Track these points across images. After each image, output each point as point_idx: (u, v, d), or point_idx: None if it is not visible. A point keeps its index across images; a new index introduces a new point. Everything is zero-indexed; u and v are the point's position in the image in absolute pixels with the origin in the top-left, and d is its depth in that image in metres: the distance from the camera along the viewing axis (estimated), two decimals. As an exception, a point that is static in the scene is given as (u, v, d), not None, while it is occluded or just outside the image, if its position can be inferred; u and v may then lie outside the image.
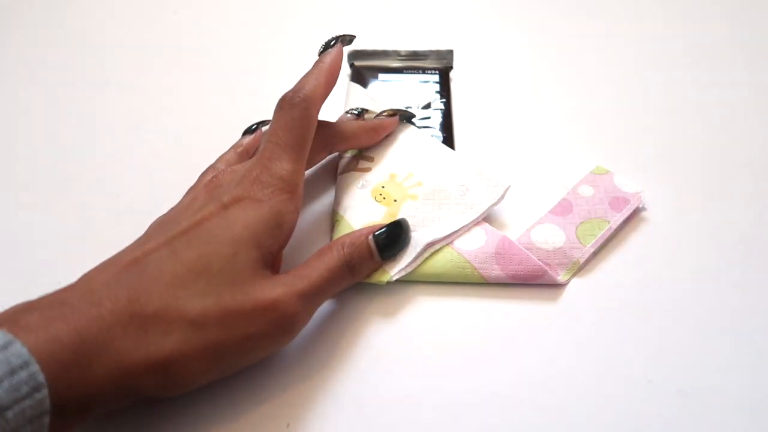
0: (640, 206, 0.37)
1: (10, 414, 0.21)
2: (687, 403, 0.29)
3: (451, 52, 0.47)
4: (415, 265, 0.33)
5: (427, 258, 0.34)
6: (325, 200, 0.39)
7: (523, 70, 0.47)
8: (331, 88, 0.34)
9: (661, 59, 0.48)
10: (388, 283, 0.33)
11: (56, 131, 0.43)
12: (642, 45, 0.49)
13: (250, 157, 0.38)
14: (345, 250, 0.31)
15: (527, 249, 0.34)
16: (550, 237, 0.35)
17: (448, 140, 0.41)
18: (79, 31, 0.52)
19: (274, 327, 0.28)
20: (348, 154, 0.40)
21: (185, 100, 0.45)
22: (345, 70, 0.45)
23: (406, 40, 0.49)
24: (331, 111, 0.41)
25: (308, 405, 0.30)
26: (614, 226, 0.35)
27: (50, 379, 0.22)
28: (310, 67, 0.35)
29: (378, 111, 0.40)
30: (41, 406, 0.22)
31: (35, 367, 0.22)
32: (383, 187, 0.37)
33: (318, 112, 0.33)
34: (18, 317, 0.23)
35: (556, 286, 0.34)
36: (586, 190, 0.37)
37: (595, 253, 0.35)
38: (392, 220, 0.34)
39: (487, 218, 0.36)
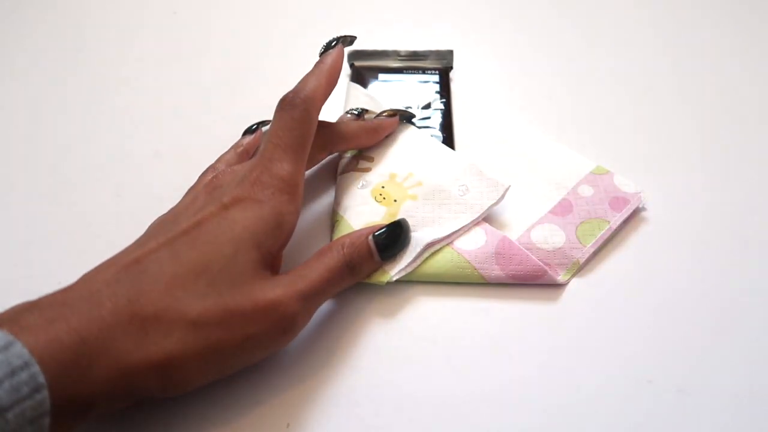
0: (640, 206, 0.37)
1: (10, 415, 0.21)
2: (687, 403, 0.29)
3: (451, 52, 0.47)
4: (415, 265, 0.33)
5: (427, 258, 0.34)
6: (325, 200, 0.39)
7: (523, 70, 0.47)
8: (332, 89, 0.34)
9: (662, 59, 0.48)
10: (388, 283, 0.33)
11: (56, 131, 0.43)
12: (642, 45, 0.49)
13: (250, 158, 0.38)
14: (345, 250, 0.31)
15: (527, 249, 0.34)
16: (550, 237, 0.35)
17: (448, 140, 0.41)
18: (79, 31, 0.52)
19: (274, 327, 0.28)
20: (348, 155, 0.40)
21: (185, 100, 0.46)
22: (345, 70, 0.45)
23: (406, 40, 0.49)
24: (331, 111, 0.41)
25: (308, 405, 0.30)
26: (614, 226, 0.35)
27: (50, 379, 0.22)
28: (310, 67, 0.35)
29: (378, 111, 0.40)
30: (41, 406, 0.22)
31: (36, 368, 0.22)
32: (383, 187, 0.37)
33: (318, 113, 0.33)
34: (18, 317, 0.23)
35: (556, 286, 0.34)
36: (586, 190, 0.37)
37: (595, 253, 0.35)
38: (392, 220, 0.34)
39: (487, 218, 0.36)
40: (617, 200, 0.36)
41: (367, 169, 0.39)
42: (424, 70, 0.46)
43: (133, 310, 0.25)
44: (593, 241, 0.35)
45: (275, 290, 0.28)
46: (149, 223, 0.32)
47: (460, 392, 0.30)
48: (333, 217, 0.37)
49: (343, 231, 0.35)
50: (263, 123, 0.41)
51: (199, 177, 0.36)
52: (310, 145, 0.32)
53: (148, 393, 0.26)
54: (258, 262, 0.28)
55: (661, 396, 0.30)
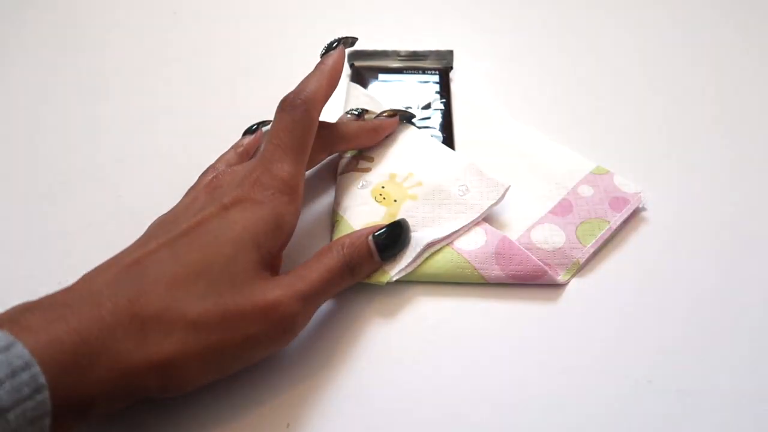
0: (640, 206, 0.37)
1: (11, 416, 0.21)
2: (687, 403, 0.29)
3: (451, 52, 0.47)
4: (415, 265, 0.33)
5: (427, 258, 0.34)
6: (325, 200, 0.39)
7: (523, 70, 0.47)
8: (333, 91, 0.34)
9: (662, 59, 0.48)
10: (388, 283, 0.33)
11: (56, 131, 0.43)
12: (643, 44, 0.49)
13: (251, 158, 0.38)
14: (345, 250, 0.31)
15: (527, 249, 0.34)
16: (550, 237, 0.35)
17: (448, 140, 0.41)
18: (79, 31, 0.52)
19: (274, 328, 0.28)
20: (348, 155, 0.40)
21: (185, 100, 0.46)
22: (345, 70, 0.45)
23: (406, 40, 0.49)
24: (331, 111, 0.41)
25: (308, 405, 0.30)
26: (614, 226, 0.35)
27: (51, 380, 0.22)
28: (311, 67, 0.35)
29: (378, 111, 0.40)
30: (42, 407, 0.22)
31: (36, 369, 0.22)
32: (383, 187, 0.37)
33: (319, 114, 0.33)
34: (19, 318, 0.23)
35: (556, 286, 0.34)
36: (586, 190, 0.37)
37: (595, 253, 0.35)
38: (392, 220, 0.34)
39: (487, 218, 0.36)
40: (617, 200, 0.36)
41: (367, 169, 0.39)
42: (424, 70, 0.46)
43: (134, 310, 0.25)
44: (593, 241, 0.35)
45: (275, 291, 0.28)
46: (149, 223, 0.32)
47: (460, 392, 0.30)
48: (333, 217, 0.37)
49: (343, 231, 0.35)
50: (263, 123, 0.41)
51: (199, 177, 0.36)
52: (311, 146, 0.32)
53: (148, 393, 0.26)
54: (258, 262, 0.28)
55: (661, 396, 0.30)
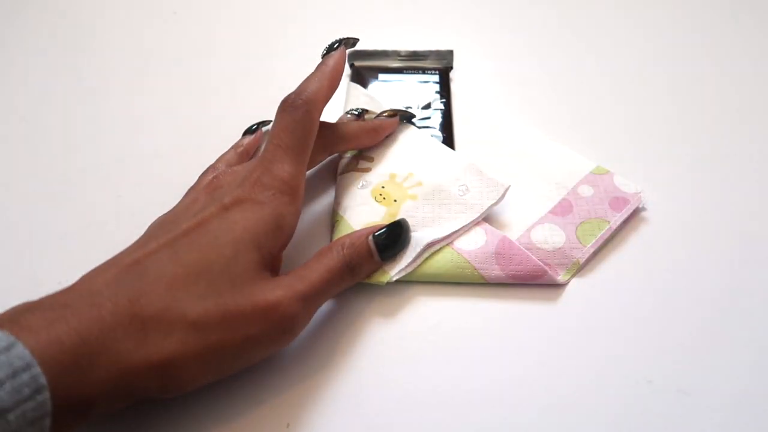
0: (640, 206, 0.37)
1: (11, 416, 0.21)
2: (687, 403, 0.29)
3: (451, 52, 0.47)
4: (415, 265, 0.33)
5: (427, 258, 0.34)
6: (325, 200, 0.39)
7: (523, 70, 0.47)
8: (334, 91, 0.34)
9: (662, 59, 0.48)
10: (388, 283, 0.33)
11: (56, 131, 0.43)
12: (642, 45, 0.49)
13: (251, 158, 0.38)
14: (345, 250, 0.31)
15: (527, 249, 0.34)
16: (550, 237, 0.35)
17: (448, 140, 0.41)
18: (79, 31, 0.52)
19: (274, 328, 0.28)
20: (348, 155, 0.40)
21: (185, 100, 0.46)
22: (345, 70, 0.45)
23: (406, 40, 0.49)
24: (331, 111, 0.41)
25: (308, 405, 0.30)
26: (614, 226, 0.35)
27: (51, 380, 0.22)
28: (311, 67, 0.35)
29: (378, 111, 0.40)
30: (42, 408, 0.22)
31: (37, 369, 0.22)
32: (383, 187, 0.37)
33: (320, 115, 0.33)
34: (19, 318, 0.23)
35: (556, 286, 0.34)
36: (586, 190, 0.37)
37: (595, 253, 0.35)
38: (392, 220, 0.34)
39: (487, 218, 0.36)
40: (617, 200, 0.36)
41: (367, 169, 0.39)
42: (424, 70, 0.46)
43: (134, 310, 0.25)
44: (593, 241, 0.35)
45: (275, 291, 0.28)
46: (149, 223, 0.32)
47: (460, 392, 0.30)
48: (333, 217, 0.37)
49: (343, 231, 0.35)
50: (263, 123, 0.41)
51: (200, 177, 0.36)
52: (312, 146, 0.32)
53: (148, 393, 0.26)
54: (258, 263, 0.28)
55: (661, 396, 0.30)
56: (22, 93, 0.46)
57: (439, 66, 0.46)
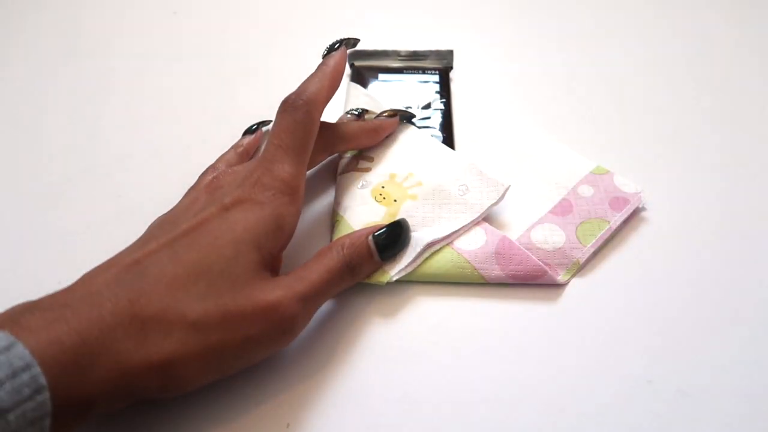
0: (640, 206, 0.37)
1: (11, 416, 0.21)
2: (687, 403, 0.29)
3: (451, 52, 0.47)
4: (415, 265, 0.33)
5: (427, 258, 0.34)
6: (325, 200, 0.39)
7: (523, 70, 0.47)
8: (334, 92, 0.34)
9: (662, 59, 0.48)
10: (388, 283, 0.33)
11: (56, 132, 0.43)
12: (642, 45, 0.49)
13: (251, 158, 0.38)
14: (345, 251, 0.31)
15: (527, 249, 0.34)
16: (550, 237, 0.35)
17: (448, 140, 0.41)
18: (79, 31, 0.52)
19: (274, 329, 0.28)
20: (348, 155, 0.40)
21: (185, 100, 0.46)
22: (345, 70, 0.45)
23: (406, 40, 0.49)
24: (331, 111, 0.41)
25: (308, 405, 0.30)
26: (614, 226, 0.35)
27: (51, 381, 0.22)
28: (311, 67, 0.35)
29: (378, 111, 0.40)
30: (42, 408, 0.22)
31: (37, 370, 0.22)
32: (383, 187, 0.37)
33: (320, 116, 0.33)
34: (19, 318, 0.23)
35: (556, 286, 0.34)
36: (586, 190, 0.37)
37: (595, 253, 0.35)
38: (392, 220, 0.34)
39: (487, 218, 0.36)
40: (617, 200, 0.36)
41: (367, 169, 0.39)
42: (424, 70, 0.46)
43: (134, 310, 0.25)
44: (593, 241, 0.35)
45: (275, 291, 0.28)
46: (149, 223, 0.32)
47: (460, 392, 0.30)
48: (333, 217, 0.37)
49: (343, 231, 0.35)
50: (263, 123, 0.41)
51: (199, 177, 0.36)
52: (312, 147, 0.32)
53: (148, 393, 0.26)
54: (258, 263, 0.28)
55: (660, 396, 0.30)
56: (22, 93, 0.46)
57: (439, 66, 0.46)
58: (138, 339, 0.25)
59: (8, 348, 0.22)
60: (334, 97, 0.35)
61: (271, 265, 0.30)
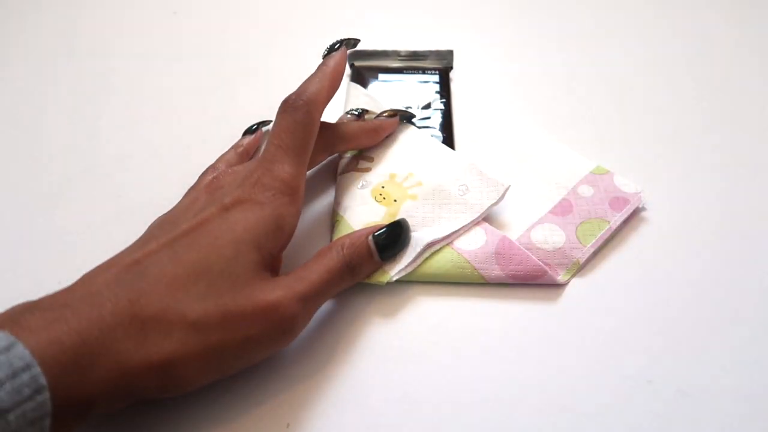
0: (640, 206, 0.37)
1: (11, 416, 0.21)
2: (687, 403, 0.29)
3: (451, 52, 0.47)
4: (415, 265, 0.33)
5: (427, 258, 0.34)
6: (325, 200, 0.39)
7: (523, 70, 0.47)
8: (334, 92, 0.34)
9: (662, 59, 0.48)
10: (388, 283, 0.33)
11: (56, 131, 0.43)
12: (642, 45, 0.49)
13: (251, 158, 0.38)
14: (345, 251, 0.31)
15: (527, 249, 0.34)
16: (550, 237, 0.35)
17: (448, 140, 0.41)
18: (79, 31, 0.52)
19: (274, 329, 0.28)
20: (348, 155, 0.40)
21: (185, 100, 0.45)
22: (345, 70, 0.45)
23: (406, 40, 0.49)
24: (331, 111, 0.41)
25: (308, 405, 0.30)
26: (614, 226, 0.35)
27: (51, 381, 0.22)
28: (312, 67, 0.35)
29: (378, 111, 0.40)
30: (42, 408, 0.22)
31: (37, 370, 0.22)
32: (383, 187, 0.37)
33: (320, 116, 0.33)
34: (19, 318, 0.23)
35: (556, 286, 0.34)
36: (586, 190, 0.37)
37: (595, 253, 0.35)
38: (392, 220, 0.34)
39: (487, 218, 0.36)
40: (617, 200, 0.36)
41: (367, 169, 0.39)
42: (424, 70, 0.46)
43: (134, 311, 0.25)
44: (593, 241, 0.35)
45: (275, 292, 0.28)
46: (149, 223, 0.32)
47: (460, 392, 0.30)
48: (333, 217, 0.37)
49: (343, 231, 0.35)
50: (263, 123, 0.41)
51: (200, 177, 0.36)
52: (312, 147, 0.32)
53: (148, 393, 0.26)
54: (258, 263, 0.28)
55: (660, 396, 0.30)
56: (22, 93, 0.46)
57: (439, 66, 0.46)
58: (138, 339, 0.25)
59: (8, 348, 0.22)
60: (334, 97, 0.35)
61: (271, 265, 0.30)
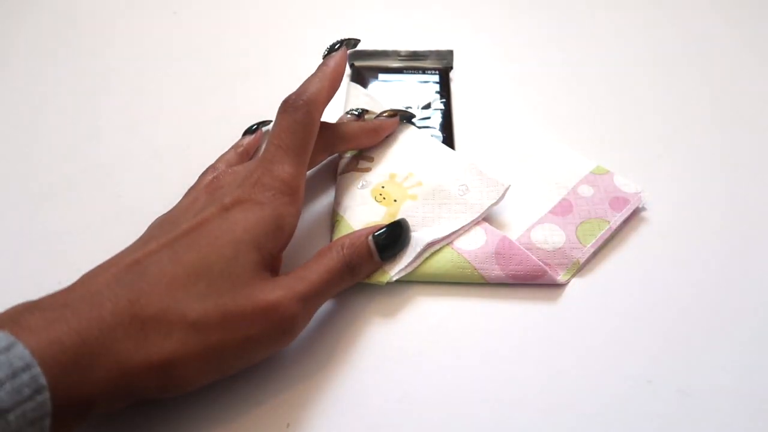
0: (640, 206, 0.37)
1: (11, 417, 0.21)
2: (687, 403, 0.29)
3: (451, 52, 0.47)
4: (415, 265, 0.33)
5: (427, 258, 0.34)
6: (325, 200, 0.39)
7: (523, 70, 0.47)
8: (335, 92, 0.34)
9: (662, 59, 0.48)
10: (388, 283, 0.33)
11: (56, 131, 0.43)
12: (642, 44, 0.49)
13: (251, 158, 0.38)
14: (345, 251, 0.31)
15: (527, 249, 0.34)
16: (550, 237, 0.35)
17: (448, 140, 0.41)
18: (79, 31, 0.52)
19: (274, 329, 0.28)
20: (348, 155, 0.40)
21: (185, 100, 0.45)
22: (345, 70, 0.45)
23: (406, 40, 0.49)
24: (331, 111, 0.41)
25: (308, 405, 0.30)
26: (614, 226, 0.35)
27: (51, 381, 0.22)
28: (312, 67, 0.35)
29: (378, 111, 0.40)
30: (42, 408, 0.22)
31: (37, 370, 0.22)
32: (383, 187, 0.37)
33: (321, 116, 0.33)
34: (19, 318, 0.23)
35: (556, 286, 0.34)
36: (586, 190, 0.37)
37: (595, 253, 0.35)
38: (392, 220, 0.34)
39: (487, 218, 0.36)
40: (617, 200, 0.36)
41: (367, 169, 0.39)
42: (424, 70, 0.46)
43: (134, 311, 0.25)
44: (593, 241, 0.35)
45: (275, 292, 0.28)
46: (149, 223, 0.32)
47: (460, 392, 0.30)
48: (333, 217, 0.37)
49: (343, 231, 0.35)
50: (263, 123, 0.41)
51: (199, 177, 0.36)
52: (312, 147, 0.32)
53: (148, 393, 0.26)
54: (258, 263, 0.28)
55: (660, 396, 0.30)
56: (23, 93, 0.46)
57: (439, 66, 0.46)
58: (138, 339, 0.25)
59: (8, 348, 0.22)
60: (334, 97, 0.35)
61: (271, 265, 0.30)
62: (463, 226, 0.35)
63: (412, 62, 0.46)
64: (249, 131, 0.40)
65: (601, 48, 0.49)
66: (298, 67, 0.39)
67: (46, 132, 0.43)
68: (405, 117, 0.40)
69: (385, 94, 0.44)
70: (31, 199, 0.39)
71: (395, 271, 0.33)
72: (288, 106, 0.32)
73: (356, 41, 0.37)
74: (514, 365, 0.31)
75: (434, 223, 0.35)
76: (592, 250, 0.35)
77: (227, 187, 0.31)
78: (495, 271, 0.34)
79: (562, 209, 0.37)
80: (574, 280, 0.34)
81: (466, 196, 0.36)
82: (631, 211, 0.36)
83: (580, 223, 0.36)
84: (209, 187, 0.32)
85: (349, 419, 0.29)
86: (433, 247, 0.34)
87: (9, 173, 0.41)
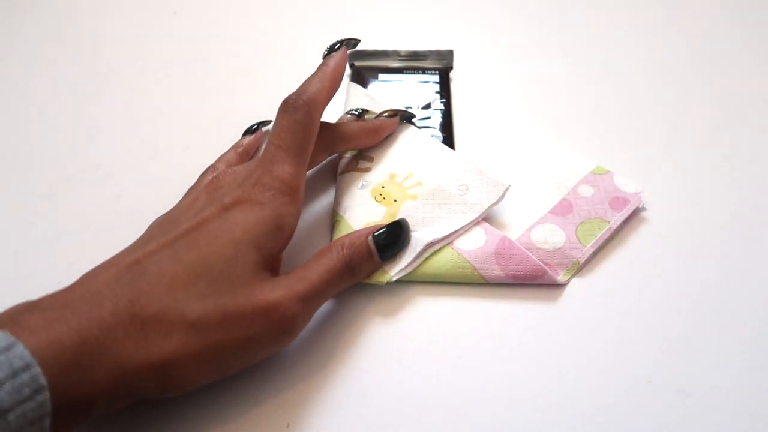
0: (640, 206, 0.37)
1: (11, 416, 0.21)
2: (687, 403, 0.29)
3: (451, 52, 0.47)
4: (415, 265, 0.33)
5: (427, 258, 0.34)
6: (325, 200, 0.39)
7: (523, 70, 0.47)
8: (335, 92, 0.35)
9: (662, 59, 0.48)
10: (388, 283, 0.33)
11: (56, 131, 0.43)
12: (643, 44, 0.49)
13: (251, 158, 0.38)
14: (344, 251, 0.31)
15: (527, 249, 0.34)
16: (550, 237, 0.35)
17: (448, 140, 0.41)
18: (79, 31, 0.52)
19: (274, 329, 0.28)
20: (348, 155, 0.40)
21: (185, 100, 0.46)
22: (345, 70, 0.45)
23: (406, 40, 0.49)
24: (331, 111, 0.41)
25: (308, 405, 0.30)
26: (614, 226, 0.35)
27: (51, 380, 0.22)
28: (312, 67, 0.35)
29: (378, 111, 0.40)
30: (42, 408, 0.22)
31: (37, 370, 0.22)
32: (383, 187, 0.37)
33: (321, 116, 0.33)
34: (19, 318, 0.23)
35: (556, 286, 0.34)
36: (586, 190, 0.37)
37: (595, 253, 0.35)
38: (392, 220, 0.34)
39: (487, 218, 0.36)
40: (617, 200, 0.36)
41: (367, 169, 0.39)
42: (424, 70, 0.46)
43: (134, 311, 0.25)
44: (593, 241, 0.35)
45: (275, 291, 0.28)
46: (149, 223, 0.32)
47: (460, 392, 0.30)
48: (333, 217, 0.37)
49: (343, 231, 0.35)
50: (263, 123, 0.41)
51: (199, 177, 0.36)
52: (312, 147, 0.32)
53: (148, 393, 0.26)
54: (258, 263, 0.28)
55: (660, 396, 0.30)
56: (22, 93, 0.46)
57: (439, 66, 0.46)
58: (138, 339, 0.25)
59: (8, 348, 0.22)
60: (334, 97, 0.35)
61: (271, 265, 0.30)
62: (463, 226, 0.35)
63: (412, 62, 0.46)
64: (249, 131, 0.40)
65: (601, 48, 0.49)
66: (298, 67, 0.39)
67: (46, 132, 0.43)
68: (405, 117, 0.40)
69: (385, 94, 0.44)
70: (31, 199, 0.39)
71: (395, 271, 0.33)
72: (288, 106, 0.32)
73: (356, 41, 0.37)
74: (514, 365, 0.31)
75: (434, 223, 0.35)
76: (592, 250, 0.35)
77: (227, 187, 0.31)
78: (495, 271, 0.34)
79: (562, 209, 0.37)
80: (574, 280, 0.34)
81: (466, 196, 0.36)
82: (631, 211, 0.36)
83: (580, 223, 0.36)
84: (209, 187, 0.32)
85: (349, 419, 0.29)
86: (433, 247, 0.34)
87: (9, 173, 0.41)
